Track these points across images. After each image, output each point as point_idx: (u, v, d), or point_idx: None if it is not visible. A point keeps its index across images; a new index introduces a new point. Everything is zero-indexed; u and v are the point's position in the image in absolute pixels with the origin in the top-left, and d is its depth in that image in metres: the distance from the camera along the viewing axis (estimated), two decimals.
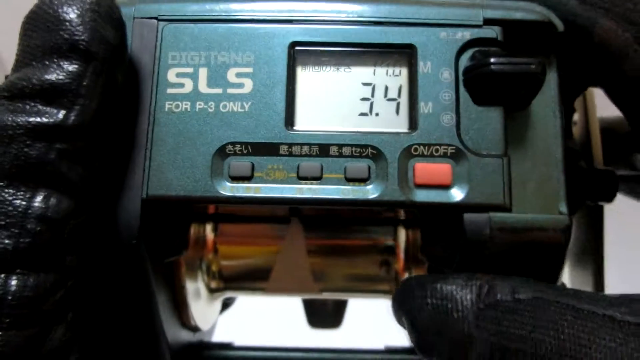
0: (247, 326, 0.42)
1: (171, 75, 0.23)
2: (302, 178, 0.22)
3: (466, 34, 0.23)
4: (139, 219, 0.21)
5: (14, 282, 0.18)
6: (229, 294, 0.33)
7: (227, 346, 0.33)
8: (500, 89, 0.22)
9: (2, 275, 0.18)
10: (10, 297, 0.18)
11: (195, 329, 0.30)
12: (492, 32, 0.23)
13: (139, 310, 0.24)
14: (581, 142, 0.33)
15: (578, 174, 0.28)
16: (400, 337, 0.33)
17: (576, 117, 0.34)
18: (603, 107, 0.31)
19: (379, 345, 0.33)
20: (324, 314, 0.40)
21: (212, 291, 0.32)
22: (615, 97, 0.25)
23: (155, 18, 0.23)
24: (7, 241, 0.18)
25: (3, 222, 0.18)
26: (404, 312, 0.21)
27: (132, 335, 0.24)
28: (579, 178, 0.28)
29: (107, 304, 0.23)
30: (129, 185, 0.22)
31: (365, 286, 0.32)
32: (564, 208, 0.22)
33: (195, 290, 0.30)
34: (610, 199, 0.28)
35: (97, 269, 0.22)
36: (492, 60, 0.22)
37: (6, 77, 0.21)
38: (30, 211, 0.18)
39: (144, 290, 0.23)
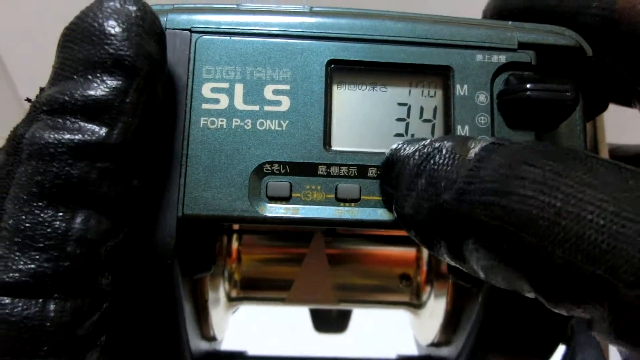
0: (257, 332, 0.42)
1: (206, 90, 0.22)
2: (340, 200, 0.22)
3: (502, 58, 0.23)
4: (174, 238, 0.21)
5: (52, 307, 0.17)
6: (247, 304, 0.33)
7: (241, 355, 0.33)
8: (535, 114, 0.23)
9: (40, 301, 0.17)
10: (49, 324, 0.17)
11: (213, 339, 0.30)
12: (526, 56, 0.23)
13: (166, 326, 0.24)
14: None
15: None
16: (412, 346, 0.34)
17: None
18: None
19: (391, 354, 0.34)
20: (329, 319, 0.41)
21: (231, 300, 0.32)
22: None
23: (189, 30, 0.23)
24: (46, 264, 0.17)
25: (42, 245, 0.17)
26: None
27: (157, 349, 0.24)
28: None
29: (134, 318, 0.23)
30: (165, 203, 0.21)
31: (384, 297, 0.32)
32: None
33: (216, 299, 0.29)
34: None
35: (128, 286, 0.21)
36: (528, 86, 0.22)
37: (41, 89, 0.20)
38: (70, 233, 0.18)
39: (173, 307, 0.23)
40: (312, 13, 0.24)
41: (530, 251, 0.16)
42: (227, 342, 0.35)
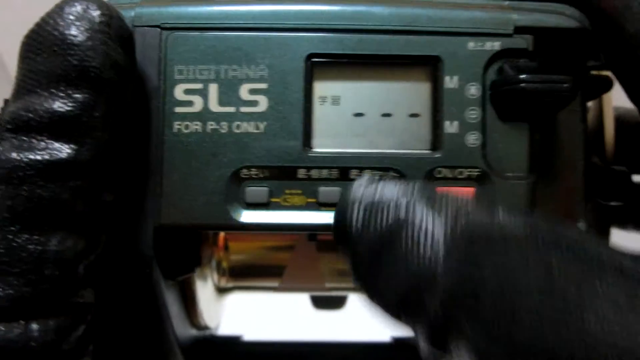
0: (253, 315, 0.42)
1: (179, 92, 0.21)
2: (322, 204, 0.21)
3: (496, 45, 0.21)
4: (152, 248, 0.21)
5: (35, 327, 0.17)
6: (238, 293, 0.33)
7: (236, 340, 0.33)
8: (530, 106, 0.21)
9: (22, 323, 0.17)
10: (34, 344, 0.17)
11: (205, 329, 0.30)
12: (523, 41, 0.21)
13: (151, 326, 0.23)
14: (593, 129, 0.33)
15: (591, 172, 0.28)
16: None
17: (590, 102, 0.33)
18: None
19: (387, 336, 0.34)
20: (327, 296, 0.41)
21: (221, 291, 0.32)
22: (618, 66, 0.22)
23: (158, 26, 0.21)
24: (24, 289, 0.17)
25: (18, 270, 0.17)
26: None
27: (144, 347, 0.24)
28: (591, 176, 0.28)
29: (119, 322, 0.23)
30: (141, 213, 0.21)
31: None
32: (582, 225, 0.22)
33: (204, 289, 0.29)
34: (622, 200, 0.28)
35: (110, 293, 0.21)
36: (523, 77, 0.20)
37: (5, 101, 0.19)
38: (46, 256, 0.17)
39: (156, 308, 0.23)
40: (293, 0, 0.22)
41: None
42: (223, 327, 0.35)
